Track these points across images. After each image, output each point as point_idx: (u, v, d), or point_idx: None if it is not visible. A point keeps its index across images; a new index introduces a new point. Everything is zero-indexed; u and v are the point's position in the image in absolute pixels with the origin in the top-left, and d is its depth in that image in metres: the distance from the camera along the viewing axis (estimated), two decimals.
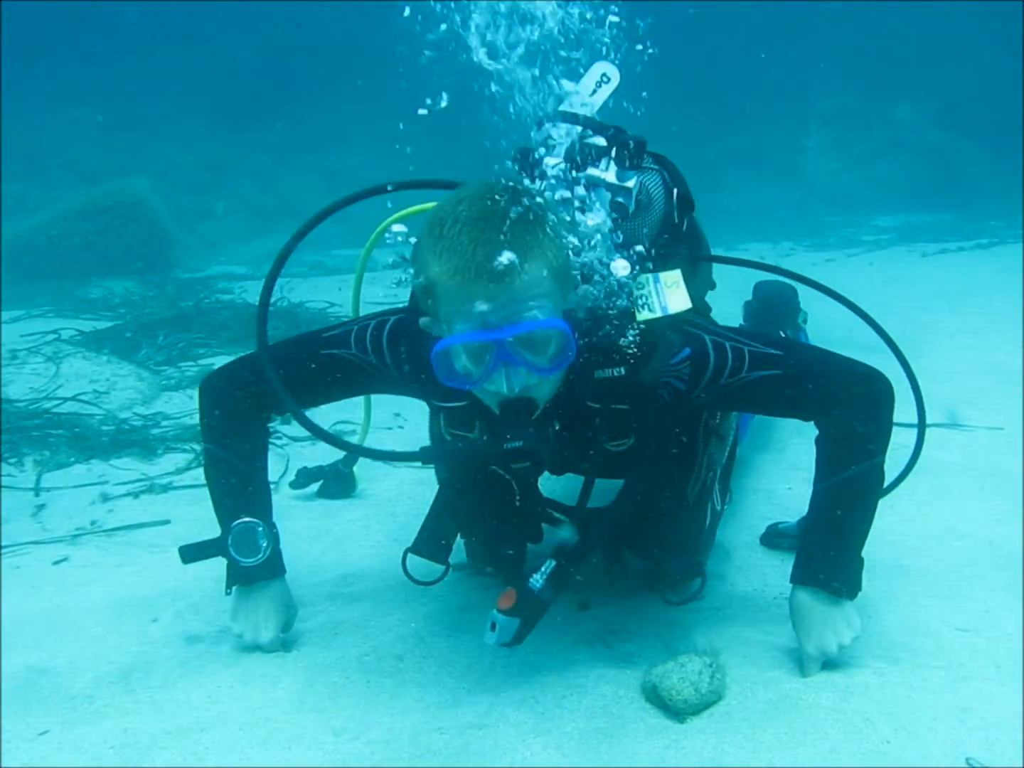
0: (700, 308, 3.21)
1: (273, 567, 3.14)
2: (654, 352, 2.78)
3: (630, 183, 2.86)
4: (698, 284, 3.26)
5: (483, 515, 3.09)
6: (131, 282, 9.93)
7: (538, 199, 2.53)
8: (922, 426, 3.43)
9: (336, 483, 4.32)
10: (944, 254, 11.40)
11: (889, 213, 14.26)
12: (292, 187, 15.37)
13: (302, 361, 2.99)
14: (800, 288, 4.15)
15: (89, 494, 4.50)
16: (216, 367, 3.23)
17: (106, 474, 4.75)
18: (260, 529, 3.06)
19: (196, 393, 5.92)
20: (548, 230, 2.50)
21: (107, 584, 3.59)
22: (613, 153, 2.85)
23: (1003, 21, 17.28)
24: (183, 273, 10.92)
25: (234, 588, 3.14)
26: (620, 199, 2.85)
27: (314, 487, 4.33)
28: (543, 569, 2.87)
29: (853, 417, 2.86)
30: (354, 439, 4.47)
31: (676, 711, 2.71)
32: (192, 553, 3.15)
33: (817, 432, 2.97)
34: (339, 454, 4.36)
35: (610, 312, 2.71)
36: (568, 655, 3.02)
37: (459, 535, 3.26)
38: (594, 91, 2.95)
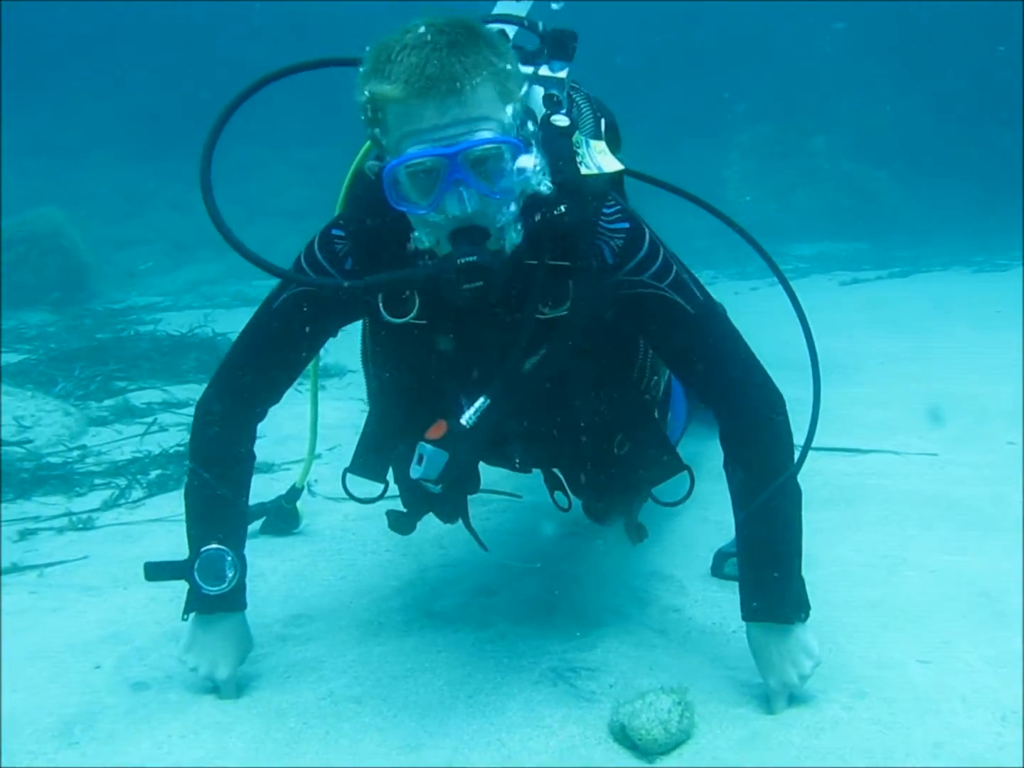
0: None
1: (235, 600, 3.01)
2: (592, 200, 2.73)
3: (562, 74, 2.87)
4: None
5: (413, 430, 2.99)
6: (47, 314, 9.69)
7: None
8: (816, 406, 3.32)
9: (279, 519, 4.20)
10: (862, 283, 11.60)
11: (806, 241, 14.46)
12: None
13: (264, 327, 2.93)
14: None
15: (12, 533, 4.32)
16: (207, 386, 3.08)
17: (30, 512, 4.58)
18: (229, 558, 2.93)
19: (123, 427, 5.88)
20: (499, 55, 2.47)
21: (43, 630, 3.41)
22: (546, 46, 2.87)
23: (911, 56, 17.76)
24: (101, 304, 10.68)
25: (191, 616, 3.00)
26: (554, 90, 2.85)
27: (256, 524, 4.20)
28: (476, 406, 2.80)
29: (755, 432, 2.87)
30: (296, 472, 4.35)
31: (646, 751, 2.64)
32: (156, 572, 3.01)
33: (722, 456, 2.95)
34: (281, 490, 4.26)
35: (551, 160, 2.65)
36: (530, 695, 2.94)
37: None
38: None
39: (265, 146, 17.80)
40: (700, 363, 2.88)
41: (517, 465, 3.32)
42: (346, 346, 3.28)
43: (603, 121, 3.15)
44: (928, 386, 6.28)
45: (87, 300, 10.67)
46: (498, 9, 3.03)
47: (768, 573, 2.87)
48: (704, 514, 4.25)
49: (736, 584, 3.53)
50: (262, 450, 5.19)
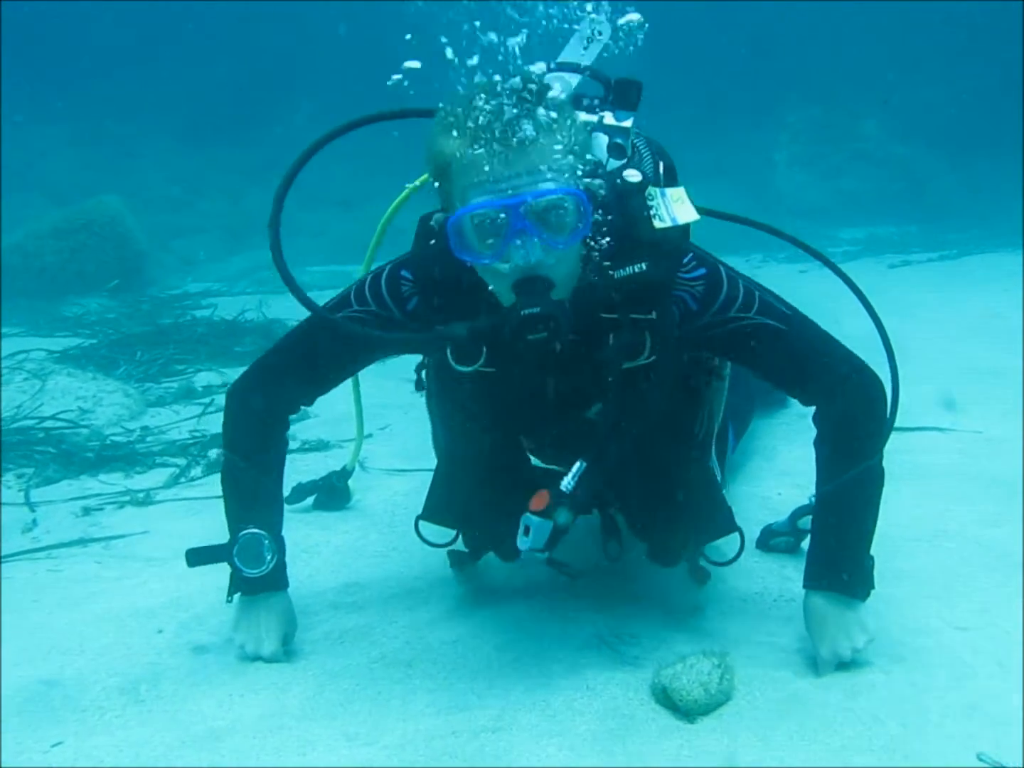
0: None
1: (276, 580, 3.15)
2: (671, 256, 2.80)
3: (627, 123, 2.91)
4: None
5: (481, 476, 3.15)
6: (106, 300, 9.88)
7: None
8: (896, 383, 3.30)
9: (331, 496, 4.33)
10: (911, 265, 11.53)
11: (856, 225, 14.35)
12: (264, 204, 15.27)
13: (316, 337, 3.00)
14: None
15: (78, 509, 4.49)
16: (242, 373, 3.20)
17: (94, 489, 4.75)
18: (266, 542, 3.07)
19: (181, 408, 6.03)
20: (563, 110, 2.56)
21: (109, 597, 3.57)
22: (611, 95, 2.92)
23: (967, 34, 17.52)
24: (158, 291, 10.85)
25: (236, 597, 3.15)
26: (618, 139, 2.90)
27: (309, 500, 4.34)
28: (573, 471, 2.88)
29: (853, 414, 2.93)
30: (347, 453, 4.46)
31: (686, 712, 2.73)
32: (198, 557, 3.15)
33: (815, 433, 3.02)
34: (334, 467, 4.39)
35: (625, 214, 2.73)
36: (574, 659, 3.04)
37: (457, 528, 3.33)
38: (587, 46, 3.01)
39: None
40: (800, 371, 2.97)
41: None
42: None
43: (662, 164, 3.20)
44: (974, 364, 6.29)
45: (144, 286, 10.82)
46: (564, 56, 3.08)
47: (842, 546, 2.95)
48: (751, 490, 4.34)
49: (777, 557, 3.66)
50: (316, 429, 5.38)
